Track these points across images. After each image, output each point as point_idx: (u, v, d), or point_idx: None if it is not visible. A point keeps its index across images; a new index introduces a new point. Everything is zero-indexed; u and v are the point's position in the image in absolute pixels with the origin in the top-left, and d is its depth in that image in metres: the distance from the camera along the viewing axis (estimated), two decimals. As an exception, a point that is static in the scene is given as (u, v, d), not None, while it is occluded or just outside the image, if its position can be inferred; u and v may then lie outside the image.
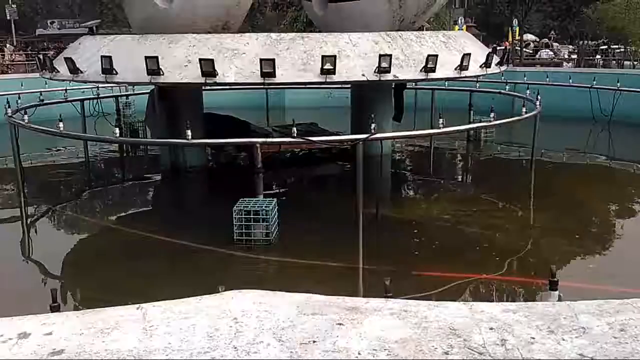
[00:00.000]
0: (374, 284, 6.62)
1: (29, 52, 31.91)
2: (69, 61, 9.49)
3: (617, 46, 31.65)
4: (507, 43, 30.21)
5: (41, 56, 11.80)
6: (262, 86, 10.12)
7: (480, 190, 11.65)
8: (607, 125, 16.93)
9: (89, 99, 14.29)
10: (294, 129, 8.70)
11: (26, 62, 28.20)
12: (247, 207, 7.95)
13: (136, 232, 9.03)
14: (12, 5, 39.51)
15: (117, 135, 9.35)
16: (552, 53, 31.89)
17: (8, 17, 39.45)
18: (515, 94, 14.38)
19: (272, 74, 8.63)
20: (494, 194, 10.94)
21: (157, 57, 8.67)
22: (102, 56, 9.04)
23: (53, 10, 48.17)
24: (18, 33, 41.38)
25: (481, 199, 10.87)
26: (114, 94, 15.24)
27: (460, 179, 13.35)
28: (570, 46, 36.87)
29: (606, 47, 32.29)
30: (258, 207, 7.95)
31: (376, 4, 10.92)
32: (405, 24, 11.30)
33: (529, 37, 38.36)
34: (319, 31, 12.70)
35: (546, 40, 38.57)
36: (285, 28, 30.11)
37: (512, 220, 9.59)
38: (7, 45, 31.85)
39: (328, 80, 8.95)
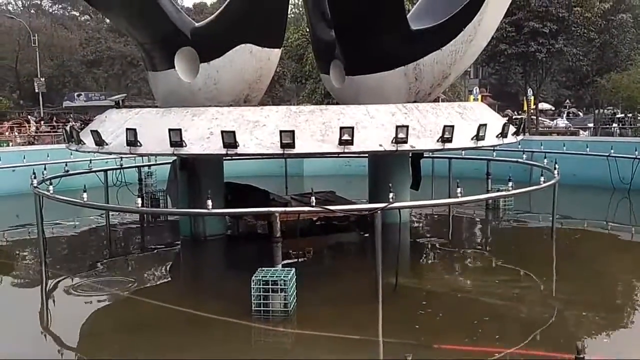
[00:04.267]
0: (395, 356, 6.49)
1: (58, 123, 32.91)
2: (95, 134, 9.80)
3: (633, 114, 31.83)
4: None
5: (68, 128, 12.20)
6: (281, 157, 10.33)
7: (500, 259, 11.50)
8: (627, 193, 16.82)
9: (113, 169, 14.63)
10: (313, 197, 8.78)
11: (52, 133, 29.06)
12: (266, 277, 7.93)
13: (154, 303, 9.01)
14: (41, 79, 41.20)
15: (139, 205, 9.49)
16: (567, 122, 32.13)
17: (36, 90, 41.09)
18: (533, 163, 14.42)
19: (292, 145, 8.81)
20: (515, 263, 10.79)
21: (180, 130, 8.93)
22: (127, 129, 9.33)
23: (80, 84, 50.04)
24: (45, 105, 42.91)
25: (502, 269, 10.72)
26: (137, 164, 15.57)
27: (480, 248, 13.20)
28: (580, 114, 37.30)
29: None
30: (276, 277, 7.93)
31: (393, 77, 11.21)
32: (421, 95, 11.56)
33: (544, 105, 38.83)
34: (337, 103, 13.02)
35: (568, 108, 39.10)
36: (304, 99, 30.91)
37: (534, 291, 9.40)
38: (32, 120, 32.99)
39: (346, 150, 9.10)
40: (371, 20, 10.73)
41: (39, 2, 64.16)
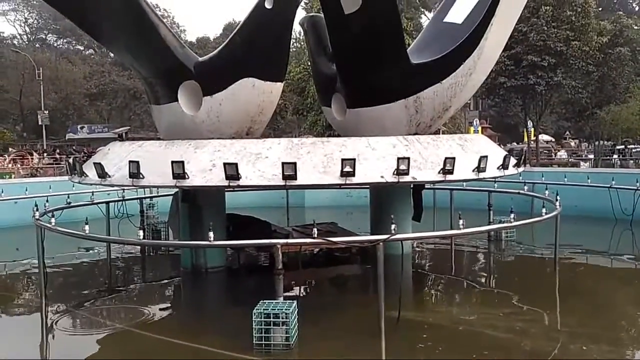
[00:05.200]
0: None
1: (60, 155, 33.06)
2: (98, 166, 9.86)
3: (633, 146, 31.96)
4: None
5: (71, 160, 12.27)
6: (283, 188, 10.37)
7: (503, 291, 11.43)
8: (629, 225, 16.78)
9: (114, 201, 14.67)
10: (315, 229, 8.78)
11: (55, 166, 29.19)
12: (267, 310, 7.87)
13: (155, 336, 8.94)
14: (44, 112, 41.56)
15: (141, 237, 9.49)
16: (566, 155, 32.26)
17: (40, 123, 41.41)
18: (535, 194, 14.45)
19: (294, 177, 8.86)
20: (518, 295, 10.72)
21: (182, 162, 8.99)
22: (130, 161, 9.39)
23: (83, 116, 50.45)
24: (49, 137, 43.20)
25: (505, 301, 10.64)
26: (139, 196, 15.60)
27: (482, 280, 13.13)
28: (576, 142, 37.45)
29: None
30: (278, 310, 7.87)
31: (394, 109, 11.32)
32: (422, 127, 11.65)
33: (544, 137, 39.00)
34: (338, 135, 13.12)
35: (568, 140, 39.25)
36: (305, 131, 31.13)
37: (537, 323, 9.31)
38: (35, 153, 33.25)
39: (348, 182, 9.14)
40: (372, 55, 10.88)
41: (44, 37, 65.17)
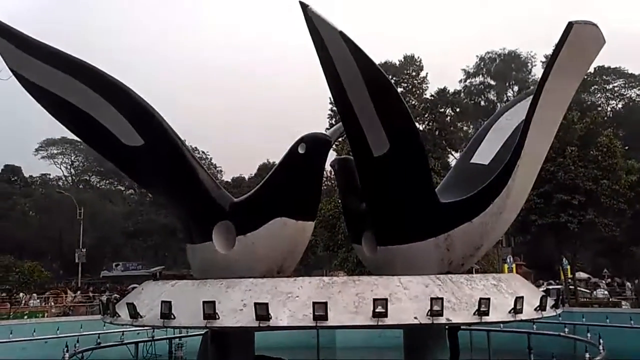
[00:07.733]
0: None
1: (93, 294, 33.30)
2: (131, 306, 9.92)
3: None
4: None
5: (104, 299, 12.38)
6: (314, 328, 10.18)
7: None
8: (682, 369, 15.76)
9: (144, 341, 14.53)
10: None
11: (87, 304, 29.32)
12: None
13: None
14: (82, 250, 42.50)
15: (168, 382, 9.29)
16: (607, 292, 31.06)
17: (76, 261, 42.19)
18: (577, 337, 13.84)
19: (325, 317, 8.74)
20: None
21: (214, 302, 9.00)
22: (162, 301, 9.45)
23: (119, 254, 51.39)
24: (84, 275, 43.80)
25: None
26: (168, 336, 15.44)
27: None
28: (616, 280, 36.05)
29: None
30: None
31: (424, 247, 11.31)
32: (454, 266, 11.54)
33: (581, 275, 37.89)
34: (369, 272, 13.05)
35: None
36: (336, 267, 31.02)
37: None
38: (69, 291, 33.65)
39: (380, 323, 8.95)
40: (401, 194, 11.12)
41: (87, 178, 68.51)
